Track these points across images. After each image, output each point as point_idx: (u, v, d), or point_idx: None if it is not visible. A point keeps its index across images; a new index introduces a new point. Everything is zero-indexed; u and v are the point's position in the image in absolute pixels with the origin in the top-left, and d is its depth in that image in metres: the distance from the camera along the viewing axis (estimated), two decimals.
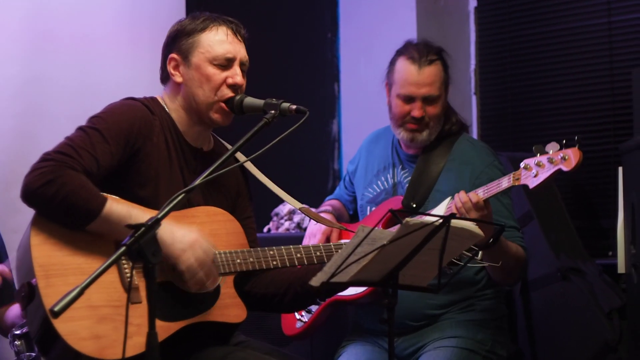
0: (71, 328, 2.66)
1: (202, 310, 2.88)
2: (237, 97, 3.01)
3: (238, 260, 2.95)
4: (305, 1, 5.50)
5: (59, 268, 2.72)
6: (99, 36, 4.42)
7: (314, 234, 3.72)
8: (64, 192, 2.71)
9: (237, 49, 3.04)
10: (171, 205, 2.50)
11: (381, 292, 2.75)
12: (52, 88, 4.27)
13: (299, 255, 3.02)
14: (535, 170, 3.24)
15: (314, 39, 5.50)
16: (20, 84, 4.18)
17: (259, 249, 3.01)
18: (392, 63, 3.73)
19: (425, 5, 5.22)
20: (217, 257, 2.92)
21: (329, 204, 3.95)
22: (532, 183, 3.24)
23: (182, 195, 2.53)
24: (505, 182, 3.31)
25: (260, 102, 2.97)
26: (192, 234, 2.83)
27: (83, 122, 2.91)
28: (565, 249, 4.24)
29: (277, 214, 4.69)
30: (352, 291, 3.52)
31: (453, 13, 5.31)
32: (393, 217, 3.28)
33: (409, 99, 3.66)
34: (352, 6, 5.45)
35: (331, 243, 3.08)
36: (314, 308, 3.68)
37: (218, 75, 3.00)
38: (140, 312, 2.71)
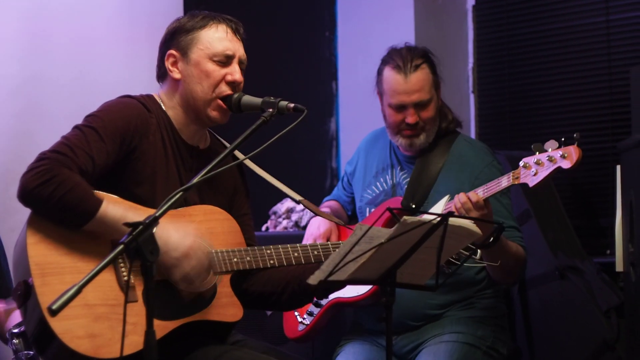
0: (67, 327, 2.66)
1: (198, 309, 2.87)
2: (235, 96, 3.01)
3: (235, 259, 2.95)
4: (304, 0, 5.50)
5: (55, 267, 2.71)
6: (96, 35, 4.42)
7: (313, 235, 3.71)
8: (60, 192, 2.70)
9: (236, 46, 3.04)
10: (169, 203, 2.50)
11: (381, 292, 2.75)
12: (50, 87, 4.26)
13: (296, 254, 3.02)
14: (534, 169, 3.24)
15: (312, 38, 5.50)
16: (18, 83, 4.18)
17: (255, 247, 3.00)
18: (379, 73, 3.71)
19: (424, 4, 5.22)
20: (214, 256, 2.91)
21: (327, 205, 3.94)
22: (531, 181, 3.24)
23: (180, 193, 2.53)
24: (504, 181, 3.31)
25: (258, 100, 2.97)
26: (187, 240, 2.81)
27: (81, 120, 2.91)
28: (563, 247, 4.25)
29: (275, 213, 4.69)
30: (353, 293, 3.53)
31: (451, 11, 5.31)
32: (392, 217, 3.28)
33: (400, 108, 3.65)
34: (350, 5, 5.45)
35: (329, 242, 3.07)
36: (315, 311, 3.68)
37: (217, 71, 3.00)
38: (136, 311, 2.71)
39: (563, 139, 3.21)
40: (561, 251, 4.22)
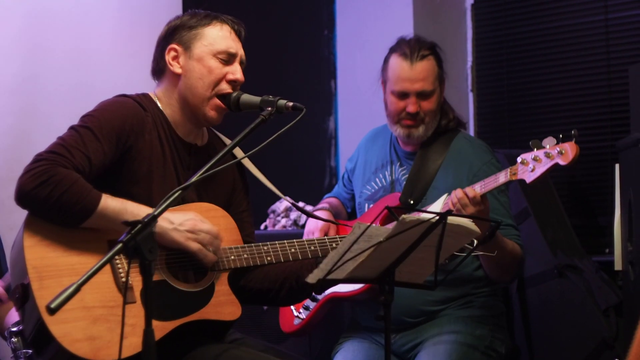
0: (65, 330, 2.65)
1: (196, 309, 2.87)
2: (234, 94, 3.01)
3: (232, 257, 2.95)
4: None
5: (52, 270, 2.71)
6: (95, 35, 4.43)
7: (312, 232, 3.72)
8: (58, 192, 2.70)
9: (238, 46, 3.05)
10: (167, 202, 2.50)
11: (378, 288, 2.76)
12: (49, 87, 4.27)
13: (293, 250, 3.02)
14: (532, 165, 3.24)
15: (310, 36, 5.50)
16: (18, 83, 4.18)
17: (253, 244, 3.00)
18: (386, 60, 3.74)
19: (422, 2, 5.22)
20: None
21: (327, 201, 3.95)
22: (529, 178, 3.25)
23: (179, 192, 2.53)
24: (502, 177, 3.31)
25: (257, 99, 2.97)
26: (188, 215, 2.86)
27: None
28: (562, 246, 4.24)
29: (273, 211, 4.69)
30: (349, 287, 3.53)
31: (450, 10, 5.31)
32: (390, 214, 3.28)
33: (403, 95, 3.66)
34: (349, 3, 5.45)
35: (326, 237, 3.06)
36: (311, 305, 3.68)
37: (219, 69, 3.00)
38: (134, 312, 2.71)
39: (561, 136, 3.21)
40: (560, 250, 4.22)
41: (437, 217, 2.59)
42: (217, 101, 3.00)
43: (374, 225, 2.58)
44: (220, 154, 2.70)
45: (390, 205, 3.36)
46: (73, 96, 4.25)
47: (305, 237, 3.72)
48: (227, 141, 3.18)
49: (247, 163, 3.19)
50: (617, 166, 4.03)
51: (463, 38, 5.31)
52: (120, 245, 2.35)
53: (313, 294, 3.20)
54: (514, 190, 4.19)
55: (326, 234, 3.69)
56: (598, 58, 4.87)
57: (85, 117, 2.89)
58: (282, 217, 4.64)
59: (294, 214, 4.63)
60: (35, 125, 4.18)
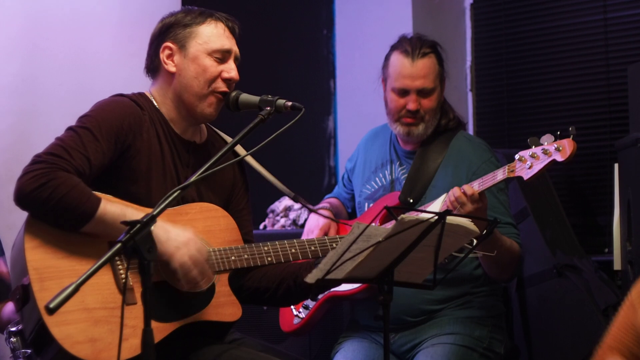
0: (66, 332, 2.65)
1: (197, 310, 2.87)
2: (233, 94, 3.01)
3: (232, 258, 2.94)
4: None
5: (53, 271, 2.70)
6: (94, 36, 4.42)
7: (312, 230, 3.72)
8: (57, 195, 2.69)
9: (232, 43, 3.04)
10: (167, 202, 2.49)
11: (377, 287, 2.75)
12: (48, 87, 4.27)
13: (293, 250, 3.01)
14: (529, 162, 3.25)
15: (309, 36, 5.49)
16: (16, 84, 4.18)
17: (253, 245, 3.00)
18: (387, 58, 3.74)
19: (421, 2, 5.22)
20: (212, 254, 2.91)
21: (327, 202, 3.95)
22: (526, 174, 3.25)
23: (178, 192, 2.52)
24: (500, 174, 3.32)
25: (255, 98, 2.97)
26: (187, 233, 2.82)
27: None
28: (561, 245, 4.24)
29: (272, 211, 4.69)
30: (348, 286, 3.53)
31: (449, 9, 5.31)
32: (389, 214, 3.28)
33: (403, 92, 3.66)
34: (348, 3, 5.45)
35: (326, 237, 3.06)
36: (311, 304, 3.68)
37: (214, 67, 3.00)
38: (135, 314, 2.70)
39: (559, 133, 3.22)
40: (559, 249, 4.21)
41: (436, 217, 2.59)
42: (213, 98, 3.00)
43: (372, 225, 2.58)
44: (220, 153, 2.70)
45: (389, 204, 3.36)
46: (72, 96, 4.25)
47: (305, 236, 3.73)
48: (227, 138, 3.18)
49: (252, 161, 3.18)
50: (616, 166, 4.03)
51: (462, 38, 5.31)
52: (119, 245, 2.35)
53: (310, 297, 3.19)
54: (513, 190, 4.19)
55: (326, 233, 3.69)
56: (597, 57, 4.87)
57: (83, 118, 2.89)
58: (281, 217, 4.64)
59: (293, 214, 4.63)
60: (35, 126, 4.18)
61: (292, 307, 3.73)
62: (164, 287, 2.82)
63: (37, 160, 2.74)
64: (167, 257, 2.77)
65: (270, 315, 4.01)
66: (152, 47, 3.06)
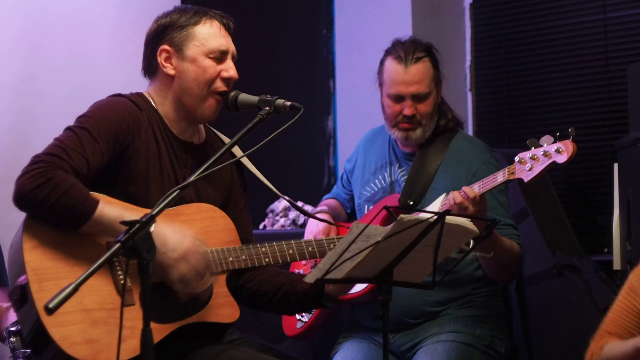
0: (64, 332, 2.64)
1: (195, 311, 2.86)
2: (232, 94, 3.00)
3: (230, 259, 2.94)
4: None
5: (51, 272, 2.70)
6: (94, 36, 4.42)
7: (314, 234, 3.71)
8: (55, 195, 2.69)
9: (229, 42, 3.04)
10: (165, 202, 2.49)
11: (377, 289, 2.75)
12: (48, 88, 4.27)
13: (291, 251, 3.01)
14: (529, 164, 3.24)
15: (309, 36, 5.49)
16: (16, 84, 4.18)
17: (251, 245, 2.99)
18: (381, 63, 3.72)
19: (421, 2, 5.22)
20: (209, 255, 2.90)
21: (325, 203, 3.94)
22: (527, 177, 3.25)
23: (177, 192, 2.52)
24: (500, 177, 3.31)
25: (254, 98, 2.96)
26: (185, 242, 2.80)
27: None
28: (561, 245, 4.24)
29: (272, 211, 4.69)
30: (350, 290, 3.52)
31: (448, 9, 5.30)
32: (389, 215, 3.27)
33: (398, 98, 3.65)
34: (348, 2, 5.45)
35: (323, 239, 3.06)
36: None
37: (213, 67, 2.99)
38: (133, 315, 2.70)
39: (558, 134, 3.22)
40: (559, 249, 4.21)
41: (435, 217, 2.59)
42: (212, 100, 2.99)
43: (372, 225, 2.58)
44: (219, 154, 2.70)
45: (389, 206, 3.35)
46: (72, 96, 4.25)
47: (305, 238, 3.72)
48: (225, 139, 3.17)
49: (247, 162, 3.18)
50: (615, 165, 4.03)
51: (461, 37, 5.31)
52: (118, 245, 2.35)
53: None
54: (513, 190, 4.19)
55: (327, 236, 3.68)
56: (596, 57, 4.87)
57: (81, 118, 2.89)
58: (281, 217, 4.64)
59: (292, 214, 4.62)
60: (34, 126, 4.18)
61: None
62: (162, 288, 2.81)
63: (36, 160, 2.74)
64: (165, 269, 2.77)
65: (270, 315, 4.00)
66: (147, 49, 3.05)
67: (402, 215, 2.56)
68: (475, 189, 3.34)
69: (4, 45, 4.16)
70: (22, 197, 2.71)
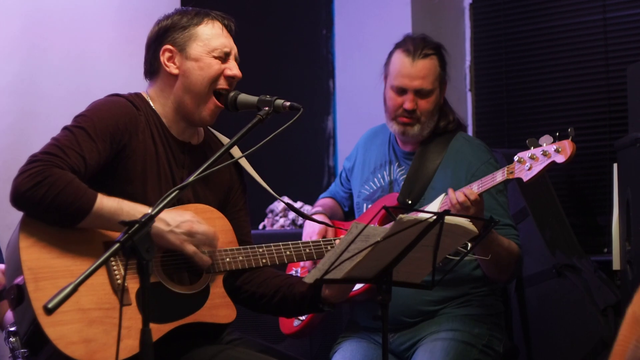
0: (61, 332, 2.64)
1: (191, 311, 2.86)
2: (232, 94, 3.00)
3: (227, 259, 2.94)
4: None
5: (48, 271, 2.70)
6: (94, 36, 4.42)
7: (310, 235, 3.72)
8: (53, 192, 2.69)
9: (231, 43, 3.04)
10: (164, 202, 2.49)
11: (376, 288, 2.75)
12: (47, 88, 4.27)
13: (288, 252, 3.01)
14: (529, 164, 3.24)
15: (309, 35, 5.49)
16: (15, 84, 4.18)
17: (248, 247, 2.99)
18: (390, 55, 3.75)
19: (421, 2, 5.22)
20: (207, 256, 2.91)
21: (321, 203, 3.94)
22: (526, 176, 3.25)
23: (176, 192, 2.52)
24: (499, 176, 3.31)
25: (254, 98, 2.96)
26: (186, 214, 2.84)
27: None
28: (560, 245, 4.24)
29: (272, 211, 4.69)
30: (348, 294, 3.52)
31: (448, 9, 5.30)
32: (388, 214, 3.28)
33: (401, 91, 3.66)
34: (347, 2, 5.45)
35: (321, 240, 3.06)
36: None
37: (218, 65, 2.99)
38: (130, 315, 2.70)
39: (557, 134, 3.22)
40: (558, 249, 4.22)
41: (435, 217, 2.59)
42: (213, 104, 2.99)
43: (371, 225, 2.58)
44: (217, 154, 2.70)
45: (388, 205, 3.35)
46: (72, 96, 4.25)
47: (303, 239, 3.72)
48: (224, 139, 3.17)
49: (244, 163, 3.18)
50: (615, 166, 4.03)
51: (461, 37, 5.31)
52: (117, 245, 2.35)
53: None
54: (512, 190, 4.19)
55: (324, 237, 3.69)
56: (596, 57, 4.87)
57: (78, 117, 2.89)
58: (280, 217, 4.64)
59: (292, 214, 4.63)
60: (34, 126, 4.18)
61: None
62: (159, 289, 2.81)
63: (33, 159, 2.75)
64: (176, 248, 2.81)
65: (269, 316, 4.01)
66: (149, 51, 3.05)
67: (401, 216, 2.56)
68: (474, 188, 3.34)
69: (4, 45, 4.16)
70: (19, 197, 2.71)
